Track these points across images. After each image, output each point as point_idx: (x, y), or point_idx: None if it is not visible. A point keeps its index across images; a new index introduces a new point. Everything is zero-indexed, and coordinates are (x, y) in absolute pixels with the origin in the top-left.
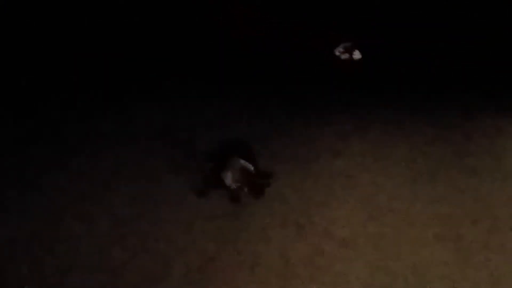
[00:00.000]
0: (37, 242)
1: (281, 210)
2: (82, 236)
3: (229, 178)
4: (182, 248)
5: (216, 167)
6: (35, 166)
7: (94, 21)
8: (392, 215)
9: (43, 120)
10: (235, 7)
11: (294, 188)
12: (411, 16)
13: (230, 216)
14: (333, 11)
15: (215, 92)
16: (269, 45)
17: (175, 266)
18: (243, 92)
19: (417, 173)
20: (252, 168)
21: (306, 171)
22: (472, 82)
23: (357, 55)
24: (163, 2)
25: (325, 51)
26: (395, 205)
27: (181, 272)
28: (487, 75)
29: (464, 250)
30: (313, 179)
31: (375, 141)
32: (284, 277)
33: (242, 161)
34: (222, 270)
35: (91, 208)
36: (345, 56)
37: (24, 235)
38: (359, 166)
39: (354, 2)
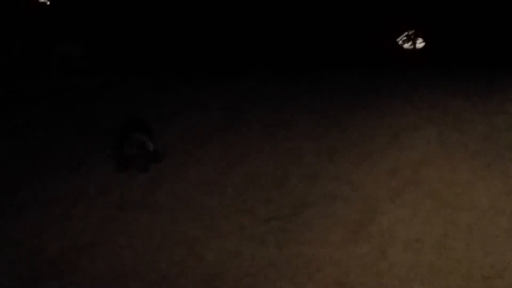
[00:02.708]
0: None
1: (341, 210)
2: None
3: (126, 151)
4: (234, 254)
5: (120, 142)
6: None
7: None
8: (461, 211)
9: None
10: None
11: (355, 185)
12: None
13: (286, 219)
14: None
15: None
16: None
17: (226, 274)
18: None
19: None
20: (150, 144)
21: (368, 165)
22: None
23: (420, 43)
24: None
25: (388, 40)
26: (463, 200)
27: (234, 278)
28: None
29: None
30: (375, 175)
31: (444, 133)
32: (344, 285)
33: (139, 136)
34: (278, 278)
35: None
36: (408, 45)
37: None
38: (425, 158)
39: None
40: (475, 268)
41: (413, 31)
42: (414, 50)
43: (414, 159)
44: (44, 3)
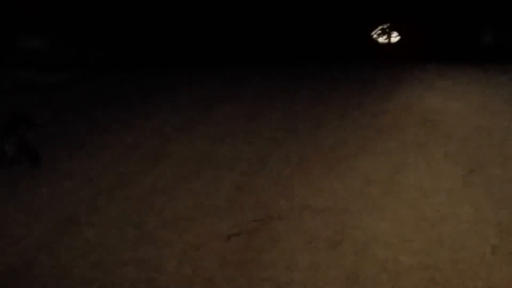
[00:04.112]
0: None
1: (311, 225)
2: None
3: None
4: (190, 277)
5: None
6: None
7: None
8: (444, 224)
9: None
10: None
11: (326, 195)
12: None
13: (249, 235)
14: None
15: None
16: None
17: None
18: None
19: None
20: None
21: (341, 172)
22: None
23: (395, 37)
24: None
25: (361, 34)
26: (446, 211)
27: None
28: None
29: None
30: (348, 184)
31: (422, 136)
32: None
33: (21, 129)
34: None
35: None
36: (383, 39)
37: None
38: (402, 164)
39: None
40: None
41: (388, 25)
42: (389, 44)
43: (390, 165)
44: None
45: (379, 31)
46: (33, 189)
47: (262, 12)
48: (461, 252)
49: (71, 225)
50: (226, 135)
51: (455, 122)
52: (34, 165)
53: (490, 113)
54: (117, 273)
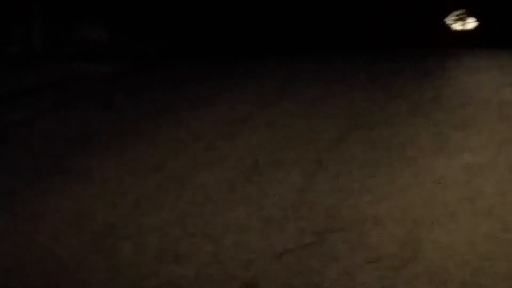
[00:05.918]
0: None
1: (376, 238)
2: None
3: None
4: None
5: None
6: None
7: None
8: None
9: None
10: None
11: (394, 202)
12: None
13: (305, 251)
14: None
15: None
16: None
17: None
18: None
19: None
20: None
21: (411, 174)
22: None
23: (471, 23)
24: None
25: (435, 20)
26: None
27: None
28: None
29: None
30: (419, 188)
31: (503, 132)
32: None
33: None
34: None
35: None
36: (457, 25)
37: None
38: (481, 165)
39: None
40: None
41: (463, 11)
42: (464, 31)
43: (468, 166)
44: None
45: (455, 17)
46: (67, 190)
47: None
48: None
49: (106, 238)
50: (283, 133)
51: None
52: None
53: None
54: None
